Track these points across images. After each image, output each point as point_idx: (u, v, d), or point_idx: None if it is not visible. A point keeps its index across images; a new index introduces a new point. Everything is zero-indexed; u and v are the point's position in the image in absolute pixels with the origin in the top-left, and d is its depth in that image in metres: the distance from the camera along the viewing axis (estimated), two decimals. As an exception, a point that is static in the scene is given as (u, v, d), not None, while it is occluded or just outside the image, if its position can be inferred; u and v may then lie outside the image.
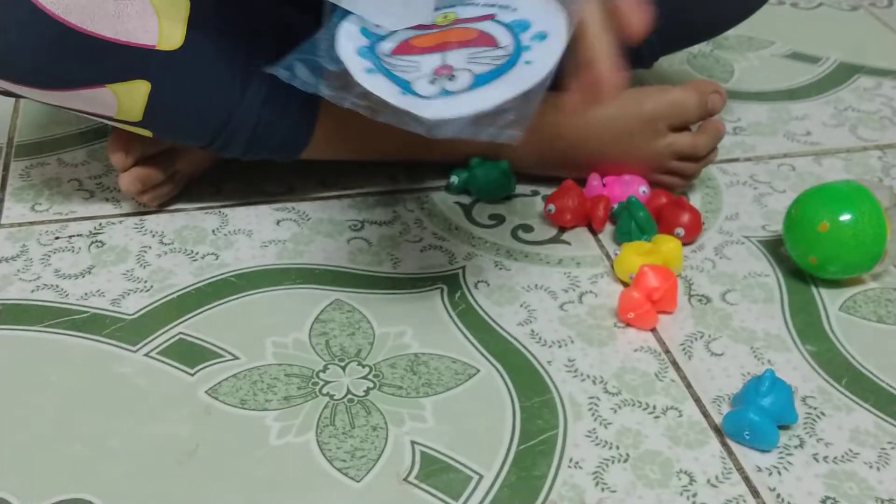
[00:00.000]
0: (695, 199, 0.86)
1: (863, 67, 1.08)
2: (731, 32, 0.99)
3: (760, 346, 0.71)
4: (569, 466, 0.62)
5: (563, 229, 0.82)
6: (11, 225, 0.81)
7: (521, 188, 0.86)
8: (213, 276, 0.76)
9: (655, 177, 0.84)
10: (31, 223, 0.81)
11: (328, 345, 0.70)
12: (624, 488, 0.60)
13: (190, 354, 0.69)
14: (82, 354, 0.69)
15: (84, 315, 0.72)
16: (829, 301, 0.75)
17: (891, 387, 0.68)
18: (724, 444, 0.63)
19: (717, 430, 0.64)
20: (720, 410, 0.65)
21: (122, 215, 0.82)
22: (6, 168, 0.88)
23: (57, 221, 0.82)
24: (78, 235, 0.80)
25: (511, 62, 0.62)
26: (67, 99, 0.71)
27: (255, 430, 0.63)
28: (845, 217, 0.73)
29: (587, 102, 0.65)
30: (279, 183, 0.86)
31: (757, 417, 0.62)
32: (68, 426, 0.64)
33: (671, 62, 1.06)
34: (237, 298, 0.74)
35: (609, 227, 0.82)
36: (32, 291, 0.74)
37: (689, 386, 0.68)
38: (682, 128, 0.82)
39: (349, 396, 0.66)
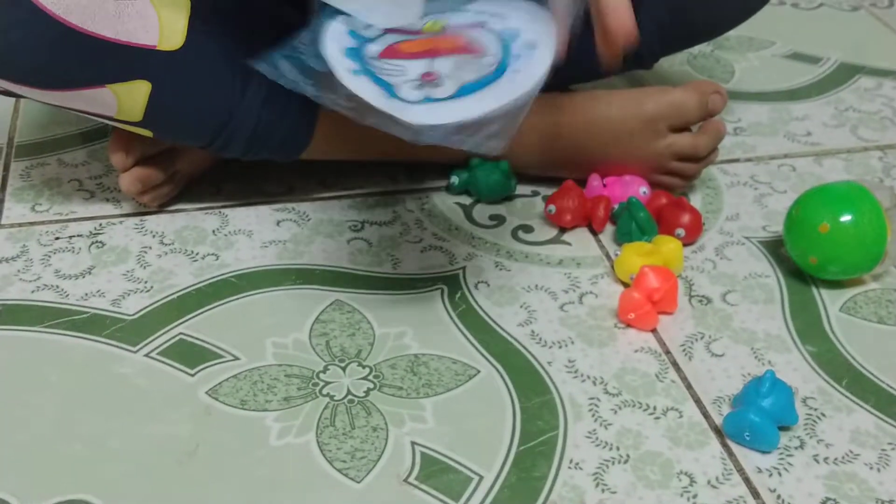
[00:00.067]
0: (695, 200, 0.86)
1: (863, 68, 1.08)
2: (731, 33, 0.99)
3: (761, 347, 0.71)
4: (569, 467, 0.62)
5: (563, 230, 0.82)
6: (12, 225, 0.81)
7: (521, 189, 0.86)
8: (214, 277, 0.76)
9: (656, 177, 0.84)
10: (32, 223, 0.81)
11: (328, 345, 0.70)
12: (624, 489, 0.60)
13: (190, 355, 0.69)
14: (82, 355, 0.69)
15: (84, 315, 0.72)
16: (830, 302, 0.75)
17: (891, 388, 0.68)
18: (725, 445, 0.63)
19: (718, 431, 0.64)
20: (720, 411, 0.65)
21: (122, 216, 0.82)
22: (6, 168, 0.88)
23: (57, 222, 0.82)
24: (78, 236, 0.80)
25: (499, 72, 0.61)
26: (68, 99, 0.71)
27: (255, 431, 0.63)
28: (846, 218, 0.73)
29: (608, 54, 0.64)
30: (279, 183, 0.86)
31: (757, 418, 0.62)
32: (68, 426, 0.64)
33: (672, 63, 1.06)
34: (237, 299, 0.74)
35: (609, 228, 0.82)
36: (33, 292, 0.74)
37: (689, 387, 0.68)
38: (683, 128, 0.82)
39: (349, 397, 0.66)
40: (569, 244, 0.81)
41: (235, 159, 0.80)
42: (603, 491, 0.60)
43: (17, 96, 0.73)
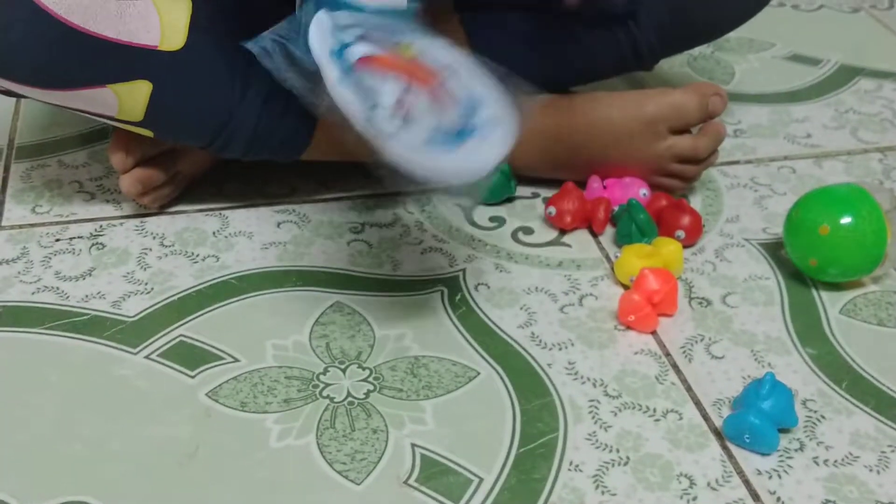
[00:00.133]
0: (695, 202, 0.86)
1: (863, 69, 1.08)
2: (731, 34, 0.99)
3: (761, 349, 0.71)
4: (569, 469, 0.62)
5: (563, 232, 0.82)
6: (12, 227, 0.81)
7: (521, 190, 0.86)
8: (214, 279, 0.76)
9: (656, 179, 0.84)
10: (32, 225, 0.82)
11: (328, 347, 0.70)
12: (624, 491, 0.60)
13: (190, 357, 0.69)
14: (83, 356, 0.69)
15: (85, 317, 0.72)
16: (830, 304, 0.75)
17: (891, 390, 0.68)
18: (725, 448, 0.63)
19: (718, 434, 0.64)
20: (720, 413, 0.65)
21: (122, 217, 0.82)
22: (7, 170, 0.88)
23: (57, 223, 0.82)
24: (78, 237, 0.80)
25: (465, 134, 0.62)
26: (69, 99, 0.71)
27: (255, 433, 0.63)
28: (846, 220, 0.73)
29: None
30: (280, 185, 0.86)
31: (757, 421, 0.62)
32: (69, 428, 0.64)
33: (672, 64, 1.06)
34: (238, 301, 0.74)
35: (609, 230, 0.82)
36: (33, 293, 0.74)
37: (689, 389, 0.68)
38: (683, 130, 0.82)
39: (349, 399, 0.66)
40: (569, 246, 0.81)
41: (236, 161, 0.80)
42: (603, 493, 0.60)
43: (18, 96, 0.73)
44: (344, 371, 0.68)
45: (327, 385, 0.67)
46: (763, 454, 0.63)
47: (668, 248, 0.76)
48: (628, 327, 0.72)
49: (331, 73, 0.60)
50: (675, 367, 0.69)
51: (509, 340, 0.71)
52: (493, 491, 0.60)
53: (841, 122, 0.98)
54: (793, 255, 0.77)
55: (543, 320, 0.73)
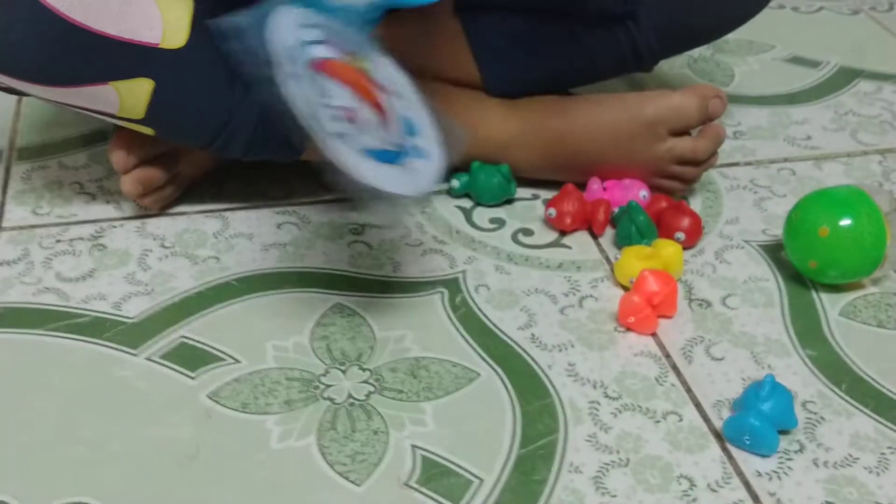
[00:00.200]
0: (695, 204, 0.86)
1: (863, 72, 1.08)
2: (731, 36, 0.99)
3: (760, 351, 0.71)
4: (569, 471, 0.62)
5: (563, 233, 0.82)
6: (13, 228, 0.81)
7: (521, 192, 0.86)
8: (215, 280, 0.76)
9: (656, 181, 0.84)
10: (33, 226, 0.82)
11: (329, 349, 0.70)
12: (624, 493, 0.60)
13: (191, 358, 0.69)
14: (84, 358, 0.69)
15: (85, 318, 0.72)
16: (830, 305, 0.76)
17: (891, 392, 0.68)
18: (725, 449, 0.64)
19: (718, 435, 0.64)
20: (720, 415, 0.66)
21: (123, 218, 0.83)
22: (7, 171, 0.88)
23: (58, 225, 0.82)
24: (79, 239, 0.80)
25: (399, 155, 0.64)
26: (70, 96, 0.71)
27: (255, 434, 0.64)
28: (845, 222, 0.73)
29: None
30: (280, 186, 0.86)
31: (757, 422, 0.62)
32: (70, 429, 0.64)
33: (671, 66, 1.06)
34: (238, 302, 0.74)
35: (609, 231, 0.82)
36: (34, 295, 0.74)
37: (689, 390, 0.68)
38: (683, 132, 0.82)
39: (350, 400, 0.66)
40: (569, 248, 0.81)
41: (236, 162, 0.80)
42: (603, 495, 0.60)
43: (19, 93, 0.73)
44: (344, 372, 0.68)
45: (328, 386, 0.67)
46: (763, 456, 0.63)
47: (667, 250, 0.76)
48: (628, 329, 0.72)
49: (286, 66, 0.61)
50: (674, 368, 0.69)
51: (509, 342, 0.71)
52: (494, 492, 0.60)
53: (841, 124, 0.99)
54: (792, 257, 0.77)
55: (543, 322, 0.73)
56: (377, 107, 0.64)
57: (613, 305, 0.74)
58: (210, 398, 0.66)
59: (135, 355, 0.69)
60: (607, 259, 0.79)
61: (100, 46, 0.68)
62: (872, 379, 0.69)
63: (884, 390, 0.68)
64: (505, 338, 0.71)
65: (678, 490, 0.61)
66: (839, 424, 0.65)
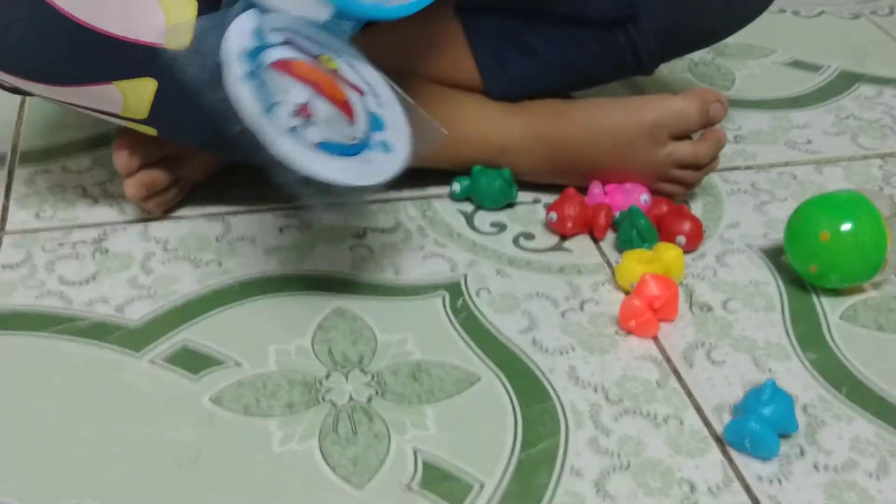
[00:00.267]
0: (696, 208, 0.86)
1: (864, 76, 1.08)
2: (731, 40, 1.00)
3: (761, 355, 0.71)
4: (570, 474, 0.62)
5: (564, 237, 0.82)
6: (16, 232, 0.82)
7: (522, 196, 0.86)
8: (217, 283, 0.76)
9: (657, 185, 0.84)
10: (36, 230, 0.82)
11: (331, 352, 0.70)
12: (625, 497, 0.61)
13: (193, 361, 0.69)
14: (86, 360, 0.69)
15: (88, 321, 0.72)
16: (830, 310, 0.76)
17: (891, 395, 0.68)
18: (725, 453, 0.64)
19: (718, 439, 0.64)
20: (721, 419, 0.66)
21: (126, 222, 0.83)
22: (11, 175, 0.89)
23: (61, 228, 0.82)
24: (82, 242, 0.80)
25: (357, 148, 0.64)
26: (74, 95, 0.71)
27: (257, 437, 0.64)
28: (846, 226, 0.73)
29: None
30: (282, 189, 0.86)
31: (758, 426, 0.62)
32: (71, 431, 0.64)
33: (672, 70, 1.06)
34: (240, 305, 0.74)
35: (610, 235, 0.82)
36: (37, 298, 0.74)
37: (689, 394, 0.68)
38: (684, 136, 0.82)
39: (352, 404, 0.66)
40: (570, 251, 0.81)
41: (239, 165, 0.80)
42: (604, 498, 0.60)
43: (23, 93, 0.74)
44: (346, 376, 0.68)
45: (329, 390, 0.67)
46: (763, 460, 0.63)
47: (668, 254, 0.76)
48: (629, 333, 0.73)
49: (234, 70, 0.61)
50: (675, 372, 0.70)
51: (510, 345, 0.71)
52: (495, 496, 0.60)
53: (841, 128, 0.99)
54: (793, 262, 0.77)
55: (544, 325, 0.73)
56: (341, 104, 0.64)
57: (614, 309, 0.74)
58: (212, 401, 0.66)
59: (137, 358, 0.69)
60: (608, 263, 0.80)
61: (104, 46, 0.68)
62: (873, 383, 0.69)
63: (884, 394, 0.68)
64: (506, 341, 0.72)
65: (679, 494, 0.61)
66: (840, 428, 0.66)
